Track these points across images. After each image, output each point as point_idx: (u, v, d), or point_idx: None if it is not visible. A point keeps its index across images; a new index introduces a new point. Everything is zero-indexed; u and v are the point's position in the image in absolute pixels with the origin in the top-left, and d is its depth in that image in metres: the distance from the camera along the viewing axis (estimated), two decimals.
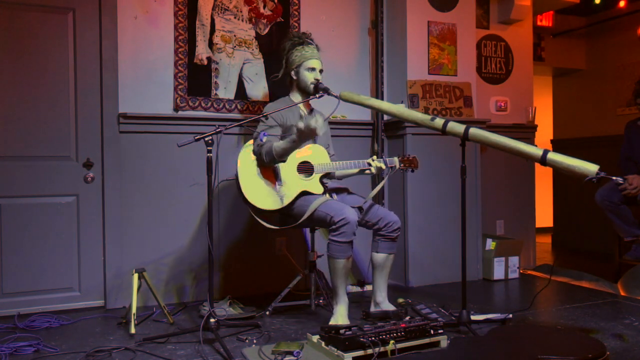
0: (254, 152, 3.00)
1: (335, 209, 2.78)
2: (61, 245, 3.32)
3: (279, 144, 2.87)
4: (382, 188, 4.04)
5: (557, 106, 6.77)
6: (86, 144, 3.37)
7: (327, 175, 3.12)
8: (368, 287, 3.78)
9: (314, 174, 3.02)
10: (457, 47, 4.12)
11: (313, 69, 3.08)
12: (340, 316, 2.82)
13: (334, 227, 2.77)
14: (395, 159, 3.13)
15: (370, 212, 3.01)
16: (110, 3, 3.37)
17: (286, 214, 3.02)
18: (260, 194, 2.96)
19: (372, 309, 3.04)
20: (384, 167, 3.05)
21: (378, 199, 4.00)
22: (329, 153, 3.19)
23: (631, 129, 4.40)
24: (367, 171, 3.08)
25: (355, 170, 3.12)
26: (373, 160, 3.05)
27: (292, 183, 2.98)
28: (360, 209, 2.98)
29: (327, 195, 3.06)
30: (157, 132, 3.48)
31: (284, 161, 2.97)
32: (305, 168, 3.02)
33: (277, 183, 2.98)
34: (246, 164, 3.01)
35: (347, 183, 3.32)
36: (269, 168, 3.00)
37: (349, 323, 2.77)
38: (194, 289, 3.57)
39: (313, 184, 3.00)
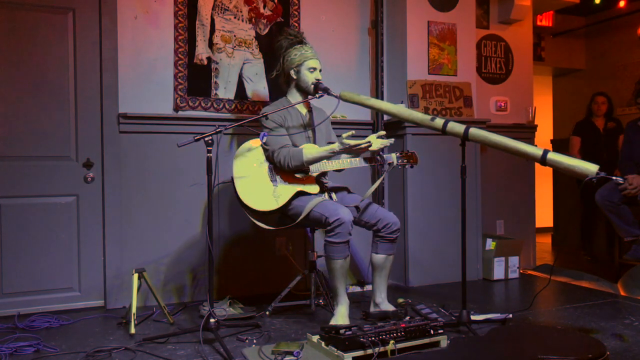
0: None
1: (330, 210, 2.78)
2: (61, 245, 3.32)
3: (312, 151, 2.88)
4: (382, 187, 4.04)
5: (557, 106, 6.77)
6: (86, 144, 3.37)
7: (325, 174, 3.12)
8: (368, 287, 3.79)
9: (309, 174, 3.01)
10: (457, 47, 4.12)
11: (314, 69, 3.07)
12: (340, 317, 2.82)
13: (329, 227, 2.76)
14: (393, 155, 3.11)
15: (369, 213, 3.00)
16: (110, 3, 3.37)
17: (284, 215, 3.02)
18: (255, 196, 2.94)
19: (372, 309, 3.04)
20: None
21: (378, 198, 4.00)
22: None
23: (631, 129, 4.41)
24: (364, 159, 3.05)
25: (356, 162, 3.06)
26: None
27: (288, 183, 2.97)
28: (357, 208, 2.97)
29: (326, 194, 3.05)
30: (157, 132, 3.48)
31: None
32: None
33: (272, 184, 2.98)
34: (241, 165, 2.99)
35: (347, 182, 3.32)
36: (262, 169, 2.99)
37: (349, 323, 2.77)
38: (193, 289, 3.57)
39: (309, 184, 3.00)
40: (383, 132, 3.01)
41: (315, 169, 3.00)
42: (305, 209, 2.84)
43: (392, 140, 3.03)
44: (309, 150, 2.90)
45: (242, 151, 3.03)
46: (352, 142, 2.81)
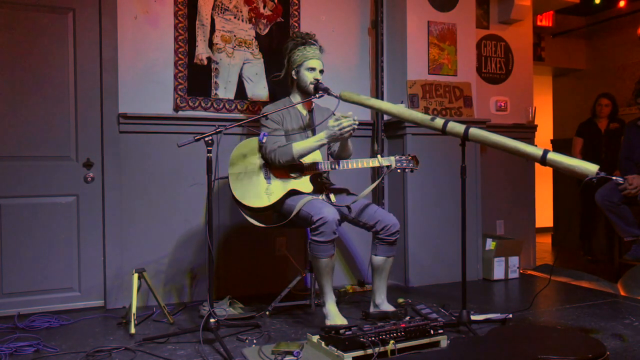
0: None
1: (315, 208, 2.78)
2: (61, 245, 3.32)
3: (301, 145, 2.90)
4: (382, 188, 4.04)
5: (557, 106, 6.77)
6: (86, 144, 3.37)
7: (322, 174, 3.11)
8: (368, 287, 3.78)
9: (304, 172, 3.02)
10: (457, 47, 4.12)
11: (313, 69, 3.07)
12: (335, 315, 2.81)
13: (313, 226, 2.77)
14: (392, 158, 3.07)
15: (367, 214, 2.99)
16: (110, 3, 3.37)
17: (279, 213, 3.03)
18: (248, 192, 2.97)
19: (372, 309, 3.04)
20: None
21: (378, 199, 4.00)
22: (330, 150, 3.20)
23: (631, 129, 4.41)
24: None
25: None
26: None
27: (282, 181, 2.99)
28: (348, 208, 2.97)
29: (323, 194, 3.05)
30: (157, 132, 3.48)
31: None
32: (297, 166, 3.02)
33: (266, 181, 2.99)
34: (236, 162, 3.02)
35: (348, 183, 3.32)
36: (257, 167, 3.01)
37: (344, 321, 2.78)
38: (194, 289, 3.57)
39: (302, 183, 3.00)
40: (340, 115, 2.86)
41: (310, 168, 2.99)
42: (296, 208, 2.85)
43: (356, 119, 2.84)
44: (298, 143, 2.91)
45: (239, 149, 3.06)
46: (335, 123, 2.80)
